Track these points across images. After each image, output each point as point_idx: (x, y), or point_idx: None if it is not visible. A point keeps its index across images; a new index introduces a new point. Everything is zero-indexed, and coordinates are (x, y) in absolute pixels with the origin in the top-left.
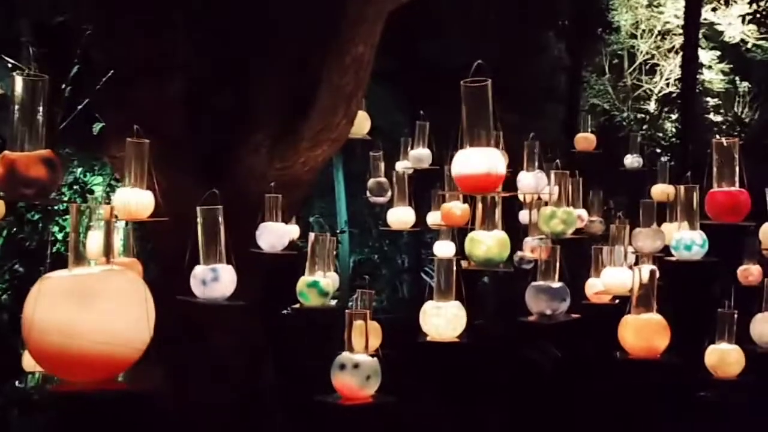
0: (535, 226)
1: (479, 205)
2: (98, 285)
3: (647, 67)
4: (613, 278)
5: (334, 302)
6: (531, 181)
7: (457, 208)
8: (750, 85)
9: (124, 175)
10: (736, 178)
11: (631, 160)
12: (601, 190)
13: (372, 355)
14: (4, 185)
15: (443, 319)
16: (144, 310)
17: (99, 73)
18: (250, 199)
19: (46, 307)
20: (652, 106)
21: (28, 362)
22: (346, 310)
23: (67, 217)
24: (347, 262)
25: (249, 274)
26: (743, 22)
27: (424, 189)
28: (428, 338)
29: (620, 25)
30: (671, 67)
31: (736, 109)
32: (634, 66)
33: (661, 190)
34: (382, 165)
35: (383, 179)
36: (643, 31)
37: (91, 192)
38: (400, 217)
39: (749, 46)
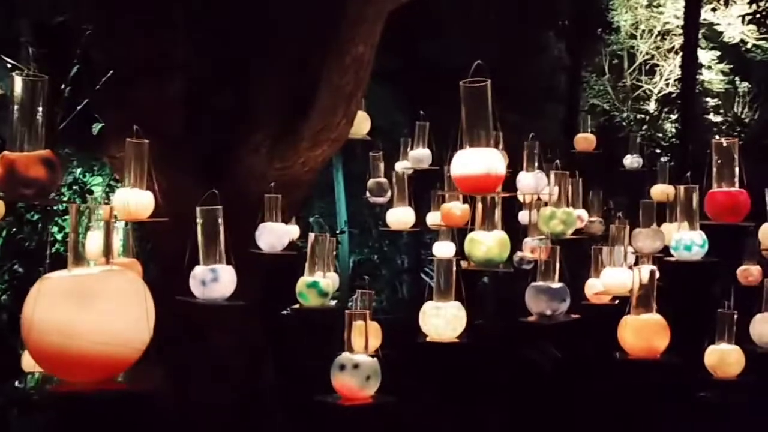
0: (535, 226)
1: (479, 206)
2: (98, 285)
3: (647, 67)
4: (613, 278)
5: (333, 303)
6: (531, 182)
7: (456, 208)
8: (750, 86)
9: (123, 175)
10: (736, 179)
11: (631, 161)
12: (601, 191)
13: (372, 356)
14: (3, 185)
15: (443, 320)
16: (143, 310)
17: (99, 73)
18: (249, 199)
19: (46, 307)
20: (651, 107)
21: (28, 362)
22: (346, 311)
23: (67, 217)
24: (347, 263)
25: (249, 275)
26: (743, 22)
27: (424, 189)
28: (428, 338)
29: (620, 25)
30: (671, 68)
31: (735, 109)
32: (633, 66)
33: (660, 191)
34: (382, 165)
35: (383, 179)
36: (643, 31)
37: (91, 192)
38: (400, 217)
39: (749, 46)
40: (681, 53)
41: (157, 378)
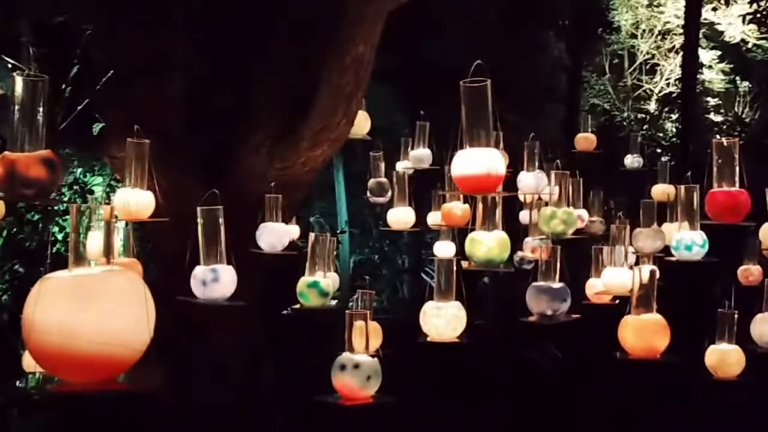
0: (536, 226)
1: (479, 206)
2: (98, 285)
3: (647, 67)
4: (614, 278)
5: (334, 303)
6: (531, 182)
7: (457, 208)
8: (750, 85)
9: (124, 175)
10: (736, 179)
11: (632, 160)
12: (602, 191)
13: (372, 356)
14: (4, 186)
15: (443, 320)
16: (144, 310)
17: (99, 73)
18: (250, 199)
19: (47, 307)
20: (652, 106)
21: (29, 362)
22: (347, 311)
23: (67, 217)
24: (347, 263)
25: (249, 275)
26: (743, 21)
27: (425, 189)
28: (428, 338)
29: (620, 24)
30: (671, 67)
31: (736, 109)
32: (634, 66)
33: (661, 190)
34: (383, 165)
35: (383, 179)
36: (644, 30)
37: (91, 192)
38: (401, 217)
39: (749, 45)
40: (681, 53)
41: (157, 378)
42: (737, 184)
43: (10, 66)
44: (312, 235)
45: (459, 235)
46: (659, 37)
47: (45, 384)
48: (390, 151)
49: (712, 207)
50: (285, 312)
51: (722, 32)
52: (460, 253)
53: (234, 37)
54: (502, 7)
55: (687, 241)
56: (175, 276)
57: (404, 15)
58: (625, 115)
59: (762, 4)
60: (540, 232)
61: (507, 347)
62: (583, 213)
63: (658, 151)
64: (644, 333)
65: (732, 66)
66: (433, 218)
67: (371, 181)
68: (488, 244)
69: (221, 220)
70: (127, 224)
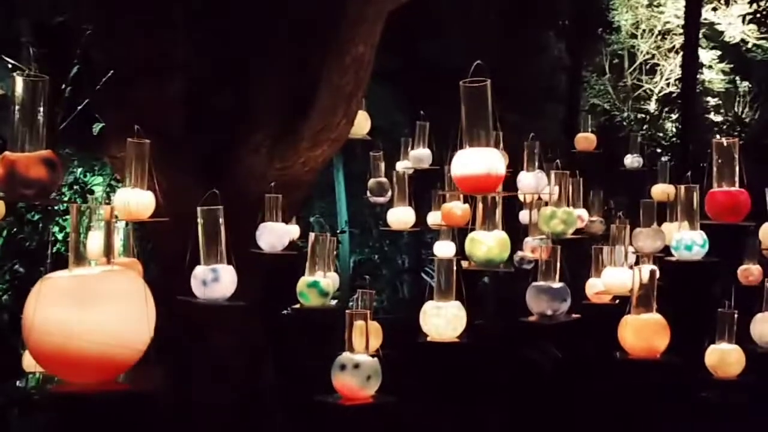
0: (536, 226)
1: (479, 206)
2: (98, 285)
3: (647, 66)
4: (614, 278)
5: (334, 302)
6: (531, 181)
7: (457, 208)
8: (750, 85)
9: (124, 175)
10: (736, 178)
11: (632, 160)
12: (602, 190)
13: (372, 356)
14: (4, 186)
15: (443, 320)
16: (144, 310)
17: (99, 73)
18: (250, 199)
19: (47, 307)
20: (652, 106)
21: (29, 362)
22: (347, 311)
23: (68, 217)
24: (347, 263)
25: (249, 275)
26: (743, 21)
27: (425, 189)
28: (428, 338)
29: (620, 24)
30: (671, 67)
31: (736, 108)
32: (634, 66)
33: (661, 190)
34: (383, 165)
35: (383, 179)
36: (644, 30)
37: (92, 192)
38: (401, 217)
39: (749, 45)
40: (681, 53)
41: (157, 378)
42: (737, 184)
43: (10, 66)
44: (312, 235)
45: (459, 235)
46: (659, 37)
47: (45, 384)
48: (390, 151)
49: (711, 207)
50: (285, 312)
51: (722, 32)
52: (460, 252)
53: (234, 37)
54: (502, 7)
55: (687, 241)
56: (175, 276)
57: (404, 15)
58: (625, 115)
59: (762, 4)
60: (540, 232)
61: (507, 347)
62: (583, 213)
63: (658, 151)
64: (644, 333)
65: (732, 66)
66: (433, 218)
67: (371, 181)
68: (488, 243)
69: (221, 220)
70: (127, 224)
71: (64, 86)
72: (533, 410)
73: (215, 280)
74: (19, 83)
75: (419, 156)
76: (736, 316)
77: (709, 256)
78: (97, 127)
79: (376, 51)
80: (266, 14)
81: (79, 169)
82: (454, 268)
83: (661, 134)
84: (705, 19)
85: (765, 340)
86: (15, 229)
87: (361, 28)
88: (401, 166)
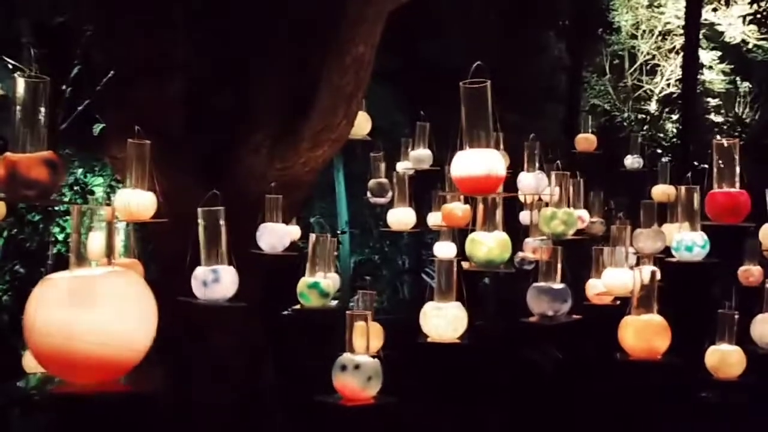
0: (536, 227)
1: (480, 206)
2: (99, 286)
3: (648, 67)
4: (614, 279)
5: (334, 303)
6: (531, 182)
7: (458, 208)
8: (751, 86)
9: (124, 175)
10: (737, 179)
11: (632, 161)
12: (602, 191)
13: (373, 356)
14: (6, 187)
15: (444, 320)
16: (145, 311)
17: (99, 74)
18: (250, 199)
19: (48, 308)
20: (652, 107)
21: (29, 363)
22: (347, 312)
23: (68, 218)
24: (348, 263)
25: (249, 275)
26: (744, 22)
27: (425, 190)
28: (429, 339)
29: (621, 25)
30: (672, 68)
31: (736, 109)
32: (634, 66)
33: (661, 191)
34: (383, 166)
35: (384, 180)
36: (644, 31)
37: (92, 193)
38: (401, 217)
39: (750, 46)
40: (682, 53)
41: (157, 378)
42: (737, 185)
43: (11, 67)
44: (312, 236)
45: (459, 235)
46: (659, 38)
47: (46, 384)
48: (390, 152)
49: (712, 208)
50: (285, 312)
51: (722, 33)
52: (461, 253)
53: (234, 37)
54: (502, 7)
55: (687, 241)
56: (175, 276)
57: (404, 15)
58: (626, 115)
59: (762, 4)
60: (540, 232)
61: (507, 348)
62: (584, 214)
63: (659, 151)
64: (645, 334)
65: (732, 66)
66: (434, 219)
67: (371, 182)
68: (489, 244)
69: (222, 221)
70: (127, 225)
71: (64, 87)
72: (534, 411)
73: (216, 281)
74: (21, 84)
75: (419, 156)
76: (736, 317)
77: (709, 257)
78: (97, 128)
79: (376, 51)
80: (266, 14)
81: (80, 170)
82: (455, 268)
83: (661, 135)
84: (705, 19)
85: (765, 341)
86: (15, 230)
87: (361, 28)
88: (401, 166)
